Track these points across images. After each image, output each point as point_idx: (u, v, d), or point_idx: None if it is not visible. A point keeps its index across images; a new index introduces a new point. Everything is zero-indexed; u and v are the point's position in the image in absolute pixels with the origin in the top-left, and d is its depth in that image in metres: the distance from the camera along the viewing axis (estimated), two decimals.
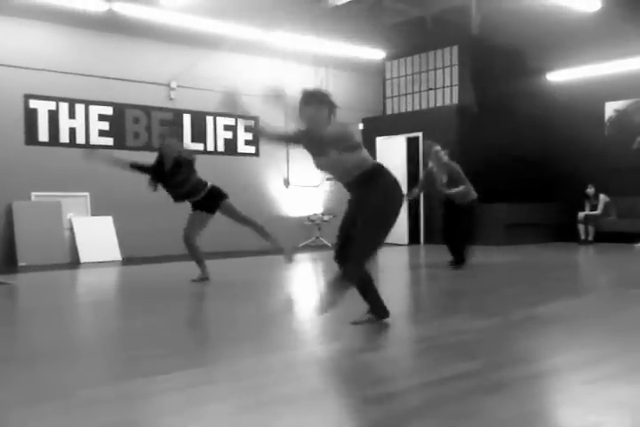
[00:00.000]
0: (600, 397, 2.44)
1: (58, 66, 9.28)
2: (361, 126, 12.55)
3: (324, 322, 4.19)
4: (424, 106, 12.10)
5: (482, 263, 7.60)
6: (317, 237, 11.58)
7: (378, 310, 3.92)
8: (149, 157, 9.81)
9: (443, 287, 6.03)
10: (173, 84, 10.33)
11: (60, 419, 2.32)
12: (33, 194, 9.06)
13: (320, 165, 3.86)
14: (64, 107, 9.36)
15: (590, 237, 10.82)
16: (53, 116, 9.27)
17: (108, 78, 9.71)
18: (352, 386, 2.78)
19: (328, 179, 11.90)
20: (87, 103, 9.56)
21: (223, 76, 10.76)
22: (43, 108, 9.18)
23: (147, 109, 10.09)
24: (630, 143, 11.06)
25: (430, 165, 7.46)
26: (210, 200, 6.33)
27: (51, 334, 3.99)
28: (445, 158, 7.23)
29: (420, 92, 12.19)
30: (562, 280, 6.27)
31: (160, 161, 6.31)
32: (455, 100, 11.55)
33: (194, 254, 6.42)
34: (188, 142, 10.37)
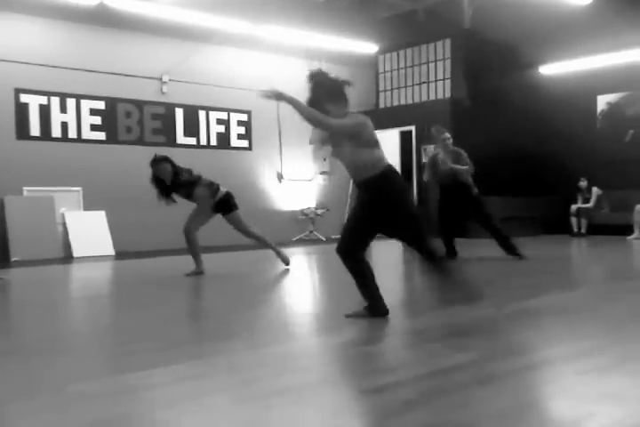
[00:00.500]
0: (593, 388, 2.45)
1: (49, 60, 9.22)
2: None
3: (319, 315, 4.19)
4: (417, 99, 12.10)
5: (475, 256, 7.62)
6: (311, 231, 11.58)
7: (373, 308, 3.85)
8: (141, 152, 9.87)
9: (436, 280, 6.03)
10: (165, 78, 10.29)
11: (53, 414, 2.31)
12: (25, 189, 9.03)
13: (335, 156, 3.90)
14: (55, 101, 9.31)
15: (583, 230, 10.86)
16: (45, 111, 9.22)
17: (100, 72, 9.66)
18: (347, 378, 2.79)
19: (322, 173, 11.90)
20: (79, 97, 9.51)
21: (215, 69, 10.73)
22: (34, 102, 9.13)
23: (139, 103, 10.05)
24: (622, 136, 11.10)
25: (435, 150, 7.50)
26: (221, 205, 6.39)
27: (44, 328, 3.98)
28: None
29: (412, 85, 12.19)
30: (555, 273, 6.30)
31: (158, 178, 6.34)
32: (448, 94, 11.55)
33: (191, 248, 6.44)
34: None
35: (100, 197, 9.50)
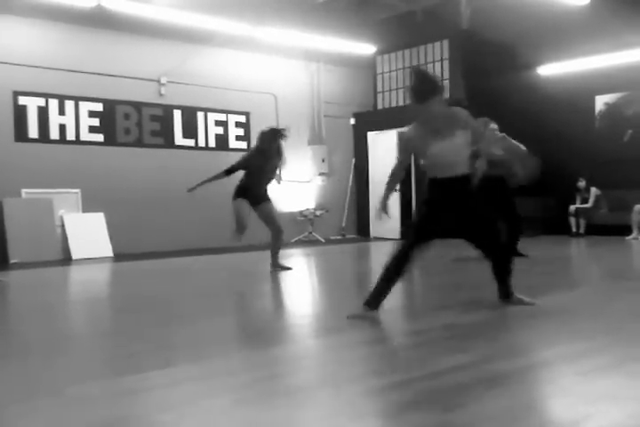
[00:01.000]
0: (592, 388, 2.45)
1: (47, 62, 9.21)
2: (352, 121, 12.55)
3: (319, 316, 4.19)
4: None
5: (474, 257, 7.61)
6: (310, 233, 11.57)
7: (370, 301, 3.92)
8: (140, 154, 9.86)
9: (435, 281, 6.05)
10: (163, 80, 10.28)
11: (52, 416, 2.31)
12: (23, 191, 9.01)
13: (438, 149, 4.05)
14: (54, 103, 9.30)
15: (581, 230, 10.87)
16: (43, 113, 9.21)
17: (98, 74, 9.65)
18: (348, 379, 2.78)
19: (321, 173, 11.90)
20: (77, 99, 9.50)
21: (213, 71, 10.73)
22: (32, 104, 9.12)
23: (137, 105, 10.05)
24: (621, 136, 11.10)
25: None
26: (262, 195, 6.94)
27: (43, 330, 3.98)
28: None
29: None
30: (554, 273, 6.30)
31: (261, 148, 6.85)
32: (446, 95, 11.54)
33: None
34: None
35: (98, 199, 9.48)
